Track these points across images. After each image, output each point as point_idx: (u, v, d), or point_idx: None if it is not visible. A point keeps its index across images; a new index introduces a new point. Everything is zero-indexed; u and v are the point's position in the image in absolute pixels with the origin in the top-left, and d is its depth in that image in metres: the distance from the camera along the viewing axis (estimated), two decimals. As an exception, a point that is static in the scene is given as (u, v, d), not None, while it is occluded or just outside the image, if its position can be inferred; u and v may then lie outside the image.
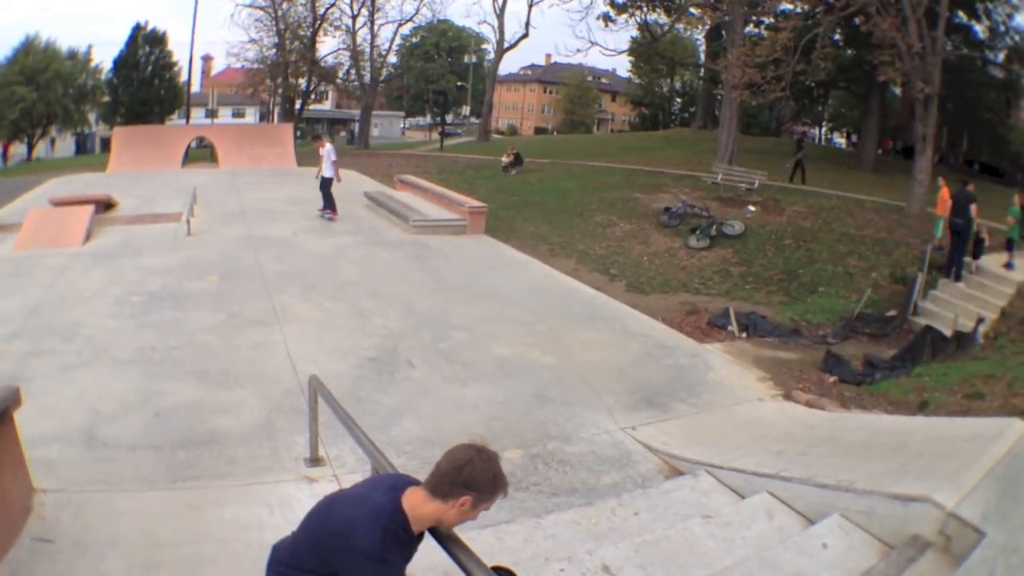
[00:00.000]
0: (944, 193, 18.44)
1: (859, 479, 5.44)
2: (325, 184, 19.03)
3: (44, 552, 4.59)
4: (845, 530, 5.13)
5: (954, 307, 14.87)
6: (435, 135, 59.61)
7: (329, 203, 19.12)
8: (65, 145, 61.33)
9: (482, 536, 5.35)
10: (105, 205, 19.60)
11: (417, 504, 3.16)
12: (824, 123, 68.90)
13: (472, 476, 3.09)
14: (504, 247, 17.05)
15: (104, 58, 78.02)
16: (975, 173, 33.96)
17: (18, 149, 56.01)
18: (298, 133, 47.22)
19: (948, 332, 13.50)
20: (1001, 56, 37.12)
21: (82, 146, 63.14)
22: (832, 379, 10.65)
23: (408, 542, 3.18)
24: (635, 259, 17.70)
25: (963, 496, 4.73)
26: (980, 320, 14.04)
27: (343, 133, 74.14)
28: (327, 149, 19.50)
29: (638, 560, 5.09)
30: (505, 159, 30.33)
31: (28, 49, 54.46)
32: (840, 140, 67.90)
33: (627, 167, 30.30)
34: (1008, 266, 16.49)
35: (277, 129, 36.23)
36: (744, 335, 12.80)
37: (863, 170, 34.34)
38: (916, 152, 24.12)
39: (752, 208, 21.79)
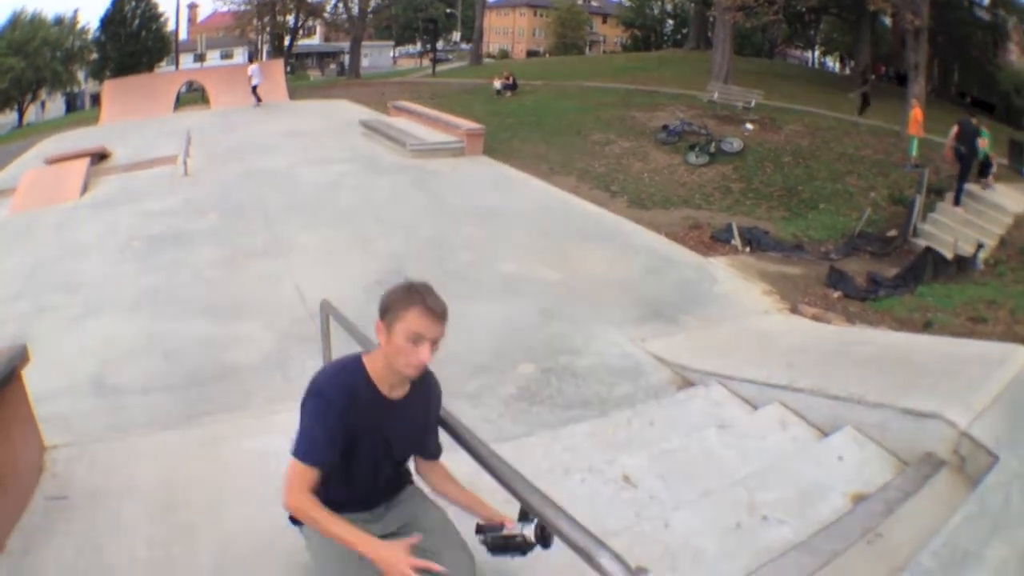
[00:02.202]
0: (916, 113, 18.71)
1: (870, 392, 5.35)
2: (255, 88, 30.40)
3: (59, 510, 4.40)
4: (859, 443, 5.07)
5: (953, 231, 14.80)
6: (426, 62, 58.68)
7: (257, 99, 30.33)
8: (55, 106, 59.69)
9: (501, 450, 5.21)
10: (100, 156, 19.43)
11: (373, 357, 3.07)
12: (816, 47, 68.01)
13: (383, 301, 2.96)
14: (504, 167, 16.79)
15: (91, 19, 76.80)
16: (968, 106, 33.74)
17: (7, 118, 54.60)
18: (288, 69, 46.56)
19: (949, 255, 13.37)
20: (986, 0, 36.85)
21: (72, 105, 61.37)
22: (837, 294, 10.50)
23: (369, 398, 3.04)
24: (635, 176, 17.35)
25: (975, 417, 4.69)
26: (980, 246, 13.99)
27: (333, 66, 73.00)
28: (253, 68, 31.61)
29: (657, 469, 5.02)
30: (497, 83, 29.74)
31: (15, 24, 53.23)
32: (833, 64, 67.05)
33: (622, 87, 29.75)
34: (984, 186, 16.72)
35: (268, 66, 35.63)
36: (747, 249, 12.59)
37: (856, 93, 33.90)
38: (909, 79, 24.05)
39: (749, 126, 21.39)
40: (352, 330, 5.26)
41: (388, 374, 3.04)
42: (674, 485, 4.88)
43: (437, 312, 2.90)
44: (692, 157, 18.29)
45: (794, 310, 9.26)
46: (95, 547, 4.02)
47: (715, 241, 12.89)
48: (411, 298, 2.89)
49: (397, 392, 3.11)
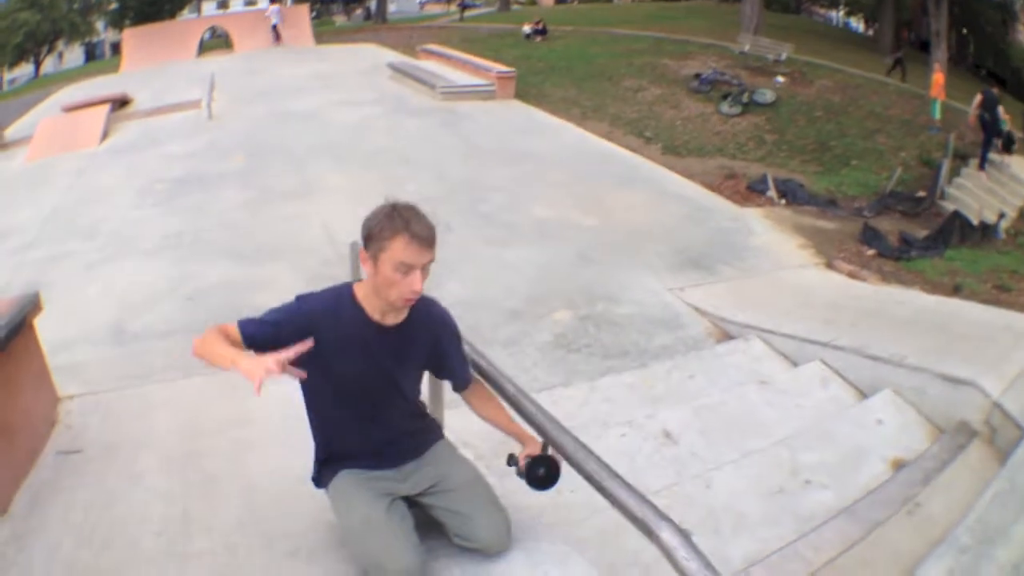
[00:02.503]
0: (938, 77, 18.66)
1: (909, 355, 5.14)
2: (275, 27, 31.27)
3: (71, 465, 4.06)
4: (897, 407, 4.91)
5: (978, 198, 14.50)
6: (453, 8, 57.75)
7: (276, 36, 31.27)
8: (74, 57, 57.15)
9: (537, 400, 4.98)
10: (121, 103, 18.68)
11: (363, 285, 2.82)
12: (841, 7, 66.54)
13: (365, 228, 2.68)
14: (535, 111, 16.20)
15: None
16: (984, 78, 33.43)
17: (24, 70, 52.65)
18: (314, 14, 45.81)
19: (975, 220, 13.03)
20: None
21: (92, 54, 58.99)
22: (870, 252, 10.05)
23: (355, 321, 2.78)
24: (668, 123, 16.74)
25: (1006, 386, 4.54)
26: (1001, 215, 13.70)
27: (359, 11, 72.03)
28: (273, 8, 32.55)
29: (698, 425, 4.78)
30: (527, 27, 28.97)
31: (31, -22, 51.65)
32: (857, 24, 65.61)
33: (651, 35, 28.66)
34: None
35: (293, 11, 35.06)
36: (783, 202, 12.08)
37: (881, 54, 33.24)
38: (932, 45, 24.35)
39: (780, 79, 20.72)
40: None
41: (378, 302, 2.75)
42: (715, 442, 4.64)
43: (424, 238, 2.62)
44: (725, 107, 17.67)
45: (830, 265, 8.83)
46: (106, 503, 3.68)
47: (751, 191, 12.39)
48: (394, 225, 2.59)
49: (390, 318, 2.82)
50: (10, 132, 17.98)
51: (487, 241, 8.40)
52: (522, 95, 17.60)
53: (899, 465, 4.39)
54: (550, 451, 2.86)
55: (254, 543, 3.30)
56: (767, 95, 18.55)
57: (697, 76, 19.89)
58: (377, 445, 2.97)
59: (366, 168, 11.37)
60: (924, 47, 32.34)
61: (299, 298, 2.80)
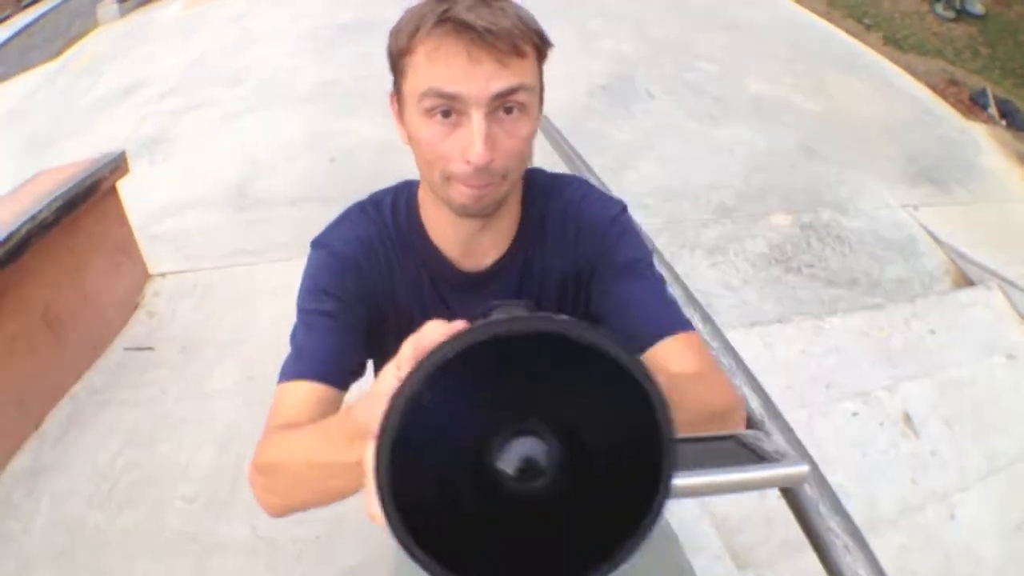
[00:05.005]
0: None
1: None
2: None
3: (133, 368, 2.78)
4: None
5: None
6: None
7: None
8: None
9: (748, 339, 3.32)
10: None
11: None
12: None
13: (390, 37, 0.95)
14: (745, -23, 13.28)
15: None
16: None
17: None
18: None
19: None
20: None
21: None
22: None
23: (421, 266, 1.12)
24: (886, 13, 13.54)
25: None
26: None
27: None
28: None
29: (944, 410, 3.32)
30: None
31: None
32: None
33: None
34: None
35: None
36: (1004, 123, 9.47)
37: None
38: None
39: (984, -7, 17.32)
40: (561, 145, 3.12)
41: (445, 219, 1.08)
42: (960, 438, 3.23)
43: (480, 30, 0.84)
44: (939, 8, 14.22)
45: (1048, 208, 6.51)
46: (150, 437, 2.35)
47: (973, 104, 9.87)
48: (420, 11, 0.87)
49: (488, 251, 1.10)
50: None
51: (694, 115, 6.28)
52: (730, -38, 14.58)
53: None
54: None
55: (305, 539, 1.93)
56: (976, 6, 15.11)
57: (910, -29, 16.56)
58: None
59: (555, 19, 8.64)
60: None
61: (318, 245, 1.27)
